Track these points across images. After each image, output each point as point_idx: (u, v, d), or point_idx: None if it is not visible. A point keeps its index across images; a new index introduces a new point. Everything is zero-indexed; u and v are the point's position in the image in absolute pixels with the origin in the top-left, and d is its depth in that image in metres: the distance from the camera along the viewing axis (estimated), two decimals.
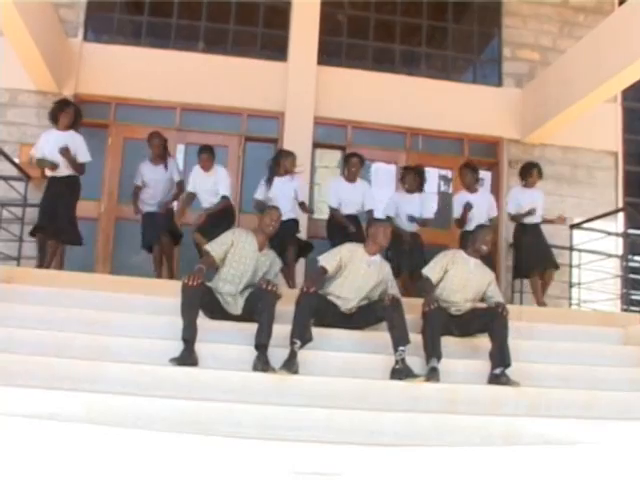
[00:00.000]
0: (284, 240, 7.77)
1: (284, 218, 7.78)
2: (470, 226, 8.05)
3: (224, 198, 8.23)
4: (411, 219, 8.62)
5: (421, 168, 9.04)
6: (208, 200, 8.30)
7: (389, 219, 8.33)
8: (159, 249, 8.60)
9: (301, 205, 8.47)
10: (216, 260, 6.32)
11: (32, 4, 8.25)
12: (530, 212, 8.67)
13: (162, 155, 8.69)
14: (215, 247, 6.35)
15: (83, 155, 8.14)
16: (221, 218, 8.07)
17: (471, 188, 8.72)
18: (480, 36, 11.63)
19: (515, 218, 8.90)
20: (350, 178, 8.58)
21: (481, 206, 8.59)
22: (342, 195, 8.51)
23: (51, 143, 7.96)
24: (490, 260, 7.70)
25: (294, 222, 8.33)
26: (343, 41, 11.14)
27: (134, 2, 10.94)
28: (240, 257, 6.34)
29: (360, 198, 8.54)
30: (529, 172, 8.96)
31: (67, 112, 8.10)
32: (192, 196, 8.42)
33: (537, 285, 8.78)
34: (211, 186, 8.26)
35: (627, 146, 11.37)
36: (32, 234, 8.12)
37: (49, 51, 9.14)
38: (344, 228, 8.16)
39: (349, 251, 6.54)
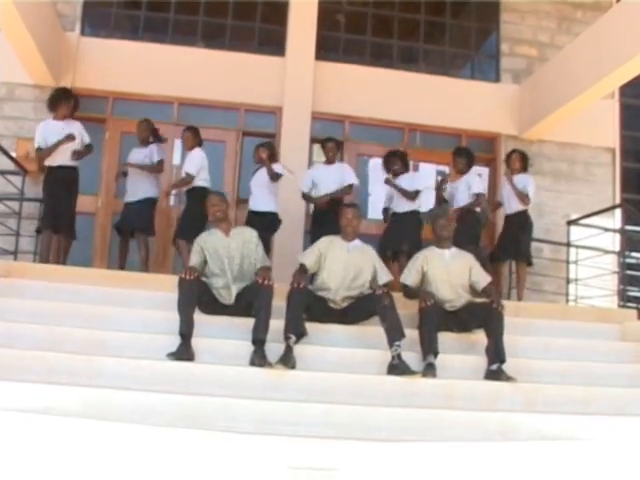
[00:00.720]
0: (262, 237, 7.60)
1: (260, 210, 7.93)
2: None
3: (187, 176, 8.32)
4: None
5: (403, 152, 9.11)
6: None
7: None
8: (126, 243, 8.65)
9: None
10: (198, 269, 6.27)
11: None
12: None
13: (146, 140, 8.76)
14: (194, 259, 6.36)
15: (87, 137, 8.37)
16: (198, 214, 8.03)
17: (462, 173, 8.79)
18: (478, 32, 11.63)
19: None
20: (327, 162, 8.66)
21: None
22: (317, 177, 8.56)
23: (54, 133, 8.05)
24: (482, 252, 7.81)
25: (270, 215, 8.36)
26: (341, 36, 11.14)
27: None
28: (215, 252, 6.37)
29: (338, 177, 8.51)
30: (509, 157, 9.06)
31: (68, 104, 8.23)
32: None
33: (501, 276, 8.98)
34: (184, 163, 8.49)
35: (625, 142, 11.38)
36: (39, 231, 8.30)
37: (46, 45, 9.13)
38: (323, 223, 8.16)
39: (327, 242, 6.59)
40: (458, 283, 6.62)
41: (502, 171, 10.56)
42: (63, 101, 8.21)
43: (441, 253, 6.70)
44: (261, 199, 8.33)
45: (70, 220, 8.18)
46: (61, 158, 8.07)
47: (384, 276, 6.59)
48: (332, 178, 8.48)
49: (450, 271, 6.60)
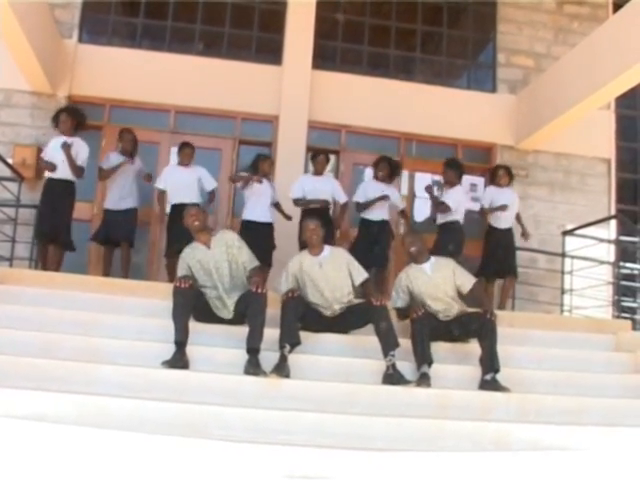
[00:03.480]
0: (259, 246, 7.64)
1: (260, 220, 7.95)
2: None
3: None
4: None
5: (395, 160, 9.18)
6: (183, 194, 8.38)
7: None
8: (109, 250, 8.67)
9: (276, 206, 8.65)
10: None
11: (27, 5, 8.23)
12: (502, 207, 8.75)
13: (132, 151, 8.74)
14: (183, 272, 6.29)
15: (82, 160, 8.27)
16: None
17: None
18: (475, 42, 11.68)
19: (486, 212, 8.97)
20: (316, 173, 8.79)
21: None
22: (307, 186, 8.61)
23: (53, 149, 8.16)
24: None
25: (270, 227, 8.44)
26: (338, 45, 11.17)
27: (129, 4, 10.94)
28: (202, 267, 6.30)
29: (328, 188, 8.69)
30: (496, 173, 9.08)
31: (62, 119, 8.32)
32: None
33: (492, 291, 9.01)
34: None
35: (620, 153, 11.41)
36: (37, 239, 8.43)
37: (44, 52, 9.14)
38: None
39: (297, 263, 6.50)
40: (445, 292, 6.57)
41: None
42: (59, 118, 8.33)
43: (421, 268, 6.65)
44: (263, 210, 8.39)
45: (66, 231, 8.16)
46: (60, 170, 8.13)
47: (359, 276, 6.53)
48: (320, 187, 8.63)
49: (436, 284, 6.56)
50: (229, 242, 6.42)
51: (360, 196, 8.77)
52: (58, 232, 8.08)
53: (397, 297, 6.66)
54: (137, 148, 8.83)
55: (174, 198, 8.43)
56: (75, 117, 8.39)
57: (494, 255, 8.86)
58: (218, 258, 6.33)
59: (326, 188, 8.68)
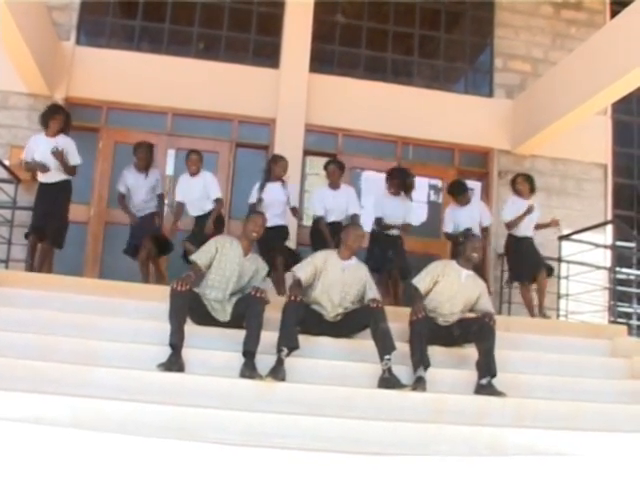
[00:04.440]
0: (273, 246, 7.79)
1: (274, 224, 7.88)
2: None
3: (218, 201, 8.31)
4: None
5: (408, 171, 9.04)
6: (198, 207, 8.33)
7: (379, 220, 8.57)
8: (145, 253, 8.52)
9: (292, 210, 8.50)
10: (202, 268, 6.31)
11: (25, 6, 8.22)
12: (529, 210, 8.72)
13: (147, 165, 8.69)
14: (201, 256, 6.34)
15: (73, 158, 8.20)
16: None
17: (462, 202, 8.82)
18: (472, 46, 11.67)
19: (512, 223, 8.89)
20: (333, 185, 8.60)
21: (474, 217, 8.77)
22: (327, 203, 8.49)
23: (41, 147, 8.04)
24: (479, 269, 7.79)
25: (284, 229, 8.36)
26: (335, 49, 11.16)
27: (127, 6, 10.92)
28: (225, 263, 6.33)
29: (344, 205, 8.54)
30: (517, 181, 9.02)
31: (57, 118, 8.18)
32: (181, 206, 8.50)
33: (529, 297, 8.85)
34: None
35: (616, 158, 11.42)
36: (27, 236, 8.23)
37: (41, 54, 9.13)
38: (326, 241, 8.13)
39: (323, 258, 6.53)
40: (460, 304, 6.61)
41: (495, 186, 10.67)
42: (53, 117, 8.17)
43: (459, 271, 6.66)
44: (272, 216, 8.30)
45: (56, 229, 8.09)
46: (52, 174, 8.08)
47: (371, 294, 6.48)
48: (339, 205, 8.50)
49: (459, 291, 6.59)
50: (259, 270, 6.59)
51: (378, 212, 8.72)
52: (55, 231, 8.05)
53: (424, 279, 6.64)
54: (152, 159, 8.84)
55: (190, 210, 8.41)
56: (67, 117, 8.36)
57: (525, 259, 8.81)
58: (243, 269, 6.40)
59: (342, 205, 8.53)
